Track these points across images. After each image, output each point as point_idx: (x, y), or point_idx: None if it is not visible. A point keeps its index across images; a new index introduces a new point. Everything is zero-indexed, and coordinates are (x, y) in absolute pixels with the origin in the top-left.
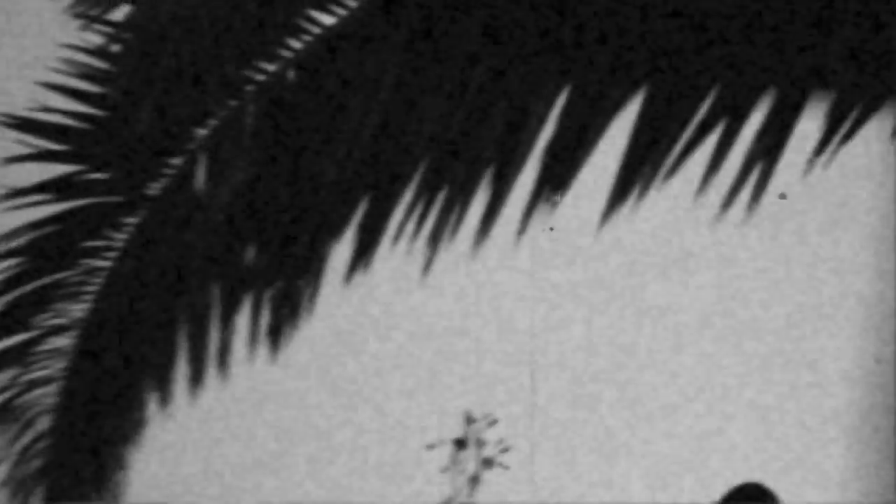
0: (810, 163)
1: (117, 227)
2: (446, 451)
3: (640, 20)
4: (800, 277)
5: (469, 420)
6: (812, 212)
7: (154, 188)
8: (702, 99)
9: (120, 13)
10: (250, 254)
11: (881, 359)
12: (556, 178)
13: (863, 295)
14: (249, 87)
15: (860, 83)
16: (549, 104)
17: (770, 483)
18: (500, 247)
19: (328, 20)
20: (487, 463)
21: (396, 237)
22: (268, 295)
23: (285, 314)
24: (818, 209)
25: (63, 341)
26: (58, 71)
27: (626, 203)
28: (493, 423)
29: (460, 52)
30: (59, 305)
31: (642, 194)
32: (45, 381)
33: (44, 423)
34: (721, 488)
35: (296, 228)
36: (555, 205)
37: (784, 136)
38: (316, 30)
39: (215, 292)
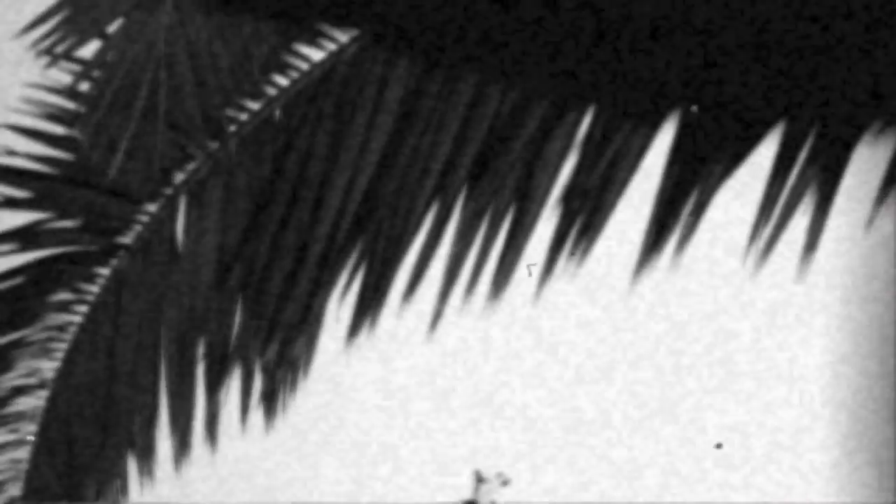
0: (879, 199)
1: (88, 278)
2: None
3: (682, 42)
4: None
5: (479, 479)
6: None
7: (128, 236)
8: (746, 127)
9: (89, 49)
10: (239, 311)
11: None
12: (580, 222)
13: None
14: (232, 128)
15: None
16: (572, 133)
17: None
18: (518, 299)
19: (317, 55)
20: None
21: (407, 293)
22: (261, 359)
23: (280, 378)
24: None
25: (32, 402)
26: (21, 111)
27: (661, 253)
28: (506, 482)
29: (469, 79)
30: (25, 364)
31: (682, 243)
32: (14, 445)
33: (14, 490)
34: None
35: (289, 283)
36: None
37: (838, 175)
38: (304, 66)
39: (201, 352)
